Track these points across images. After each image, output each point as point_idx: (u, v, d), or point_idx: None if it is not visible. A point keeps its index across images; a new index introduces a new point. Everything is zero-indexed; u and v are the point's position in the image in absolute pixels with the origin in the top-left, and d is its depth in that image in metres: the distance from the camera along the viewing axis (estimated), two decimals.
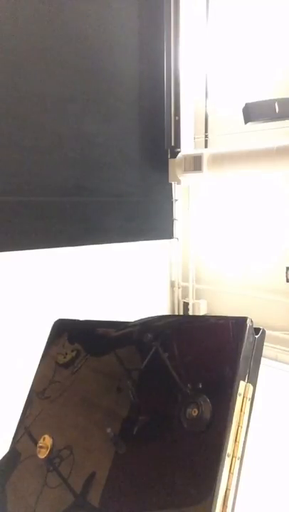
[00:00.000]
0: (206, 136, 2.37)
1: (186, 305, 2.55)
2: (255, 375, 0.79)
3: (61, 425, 0.98)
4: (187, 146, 2.32)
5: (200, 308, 2.48)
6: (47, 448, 0.96)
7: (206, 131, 2.37)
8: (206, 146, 2.35)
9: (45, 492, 0.91)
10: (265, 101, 1.76)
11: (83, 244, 2.05)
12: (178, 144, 2.31)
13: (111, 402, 0.92)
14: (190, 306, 2.51)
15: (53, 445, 0.96)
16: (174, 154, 2.29)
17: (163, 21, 2.25)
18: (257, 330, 0.81)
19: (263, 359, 0.81)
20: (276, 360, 2.11)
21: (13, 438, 1.07)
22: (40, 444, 0.97)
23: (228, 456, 0.71)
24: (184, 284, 2.56)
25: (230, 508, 0.69)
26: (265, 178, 2.17)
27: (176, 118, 2.31)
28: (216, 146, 2.24)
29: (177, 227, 2.52)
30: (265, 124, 1.81)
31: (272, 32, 2.06)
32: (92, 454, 0.88)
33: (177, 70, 2.28)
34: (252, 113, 1.76)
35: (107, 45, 2.08)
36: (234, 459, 0.71)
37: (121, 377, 0.93)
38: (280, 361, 2.10)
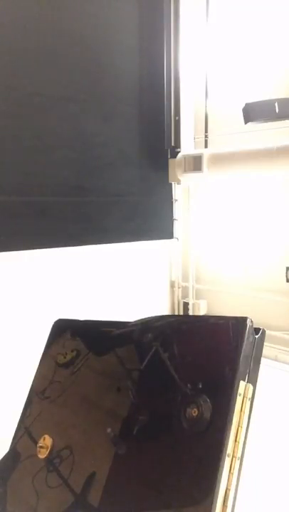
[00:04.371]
0: (206, 136, 2.37)
1: (186, 305, 2.55)
2: (255, 375, 0.79)
3: (61, 425, 0.98)
4: (187, 146, 2.32)
5: (200, 308, 2.48)
6: (47, 448, 0.96)
7: (206, 131, 2.37)
8: (206, 146, 2.35)
9: (45, 492, 0.91)
10: (265, 101, 1.76)
11: (83, 244, 2.05)
12: (178, 144, 2.31)
13: (111, 402, 0.92)
14: (190, 306, 2.51)
15: (53, 445, 0.96)
16: (174, 154, 2.29)
17: (163, 21, 2.25)
18: (257, 330, 0.81)
19: (263, 359, 0.81)
20: (276, 360, 2.11)
21: (13, 438, 1.07)
22: (40, 444, 0.97)
23: (228, 456, 0.71)
24: (184, 284, 2.56)
25: (230, 508, 0.69)
26: (265, 178, 2.17)
27: (176, 118, 2.31)
28: (216, 146, 2.24)
29: (177, 227, 2.52)
30: (265, 124, 1.81)
31: (273, 32, 2.06)
32: (92, 454, 0.88)
33: (177, 70, 2.28)
34: (252, 113, 1.76)
35: (107, 45, 2.08)
36: (234, 459, 0.71)
37: (121, 377, 0.93)
38: (280, 361, 2.10)
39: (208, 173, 2.11)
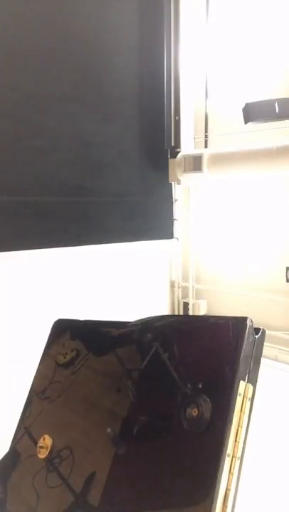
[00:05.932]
0: (206, 136, 2.37)
1: (186, 305, 2.55)
2: (255, 375, 0.79)
3: (61, 425, 0.98)
4: (187, 146, 2.32)
5: (200, 308, 2.48)
6: (47, 448, 0.96)
7: (206, 131, 2.37)
8: (206, 146, 2.35)
9: (45, 492, 0.91)
10: (265, 101, 1.76)
11: (83, 244, 2.05)
12: (178, 144, 2.31)
13: (111, 402, 0.92)
14: (190, 306, 2.51)
15: (53, 445, 0.96)
16: (174, 154, 2.29)
17: (163, 21, 2.25)
18: (257, 330, 0.81)
19: (263, 359, 0.81)
20: (276, 360, 2.11)
21: (13, 438, 1.07)
22: (40, 444, 0.97)
23: (228, 456, 0.71)
24: (184, 284, 2.56)
25: (230, 508, 0.69)
26: (265, 178, 2.17)
27: (176, 118, 2.31)
28: (216, 146, 2.24)
29: (177, 227, 2.52)
30: (265, 124, 1.81)
31: (273, 32, 2.06)
32: (92, 454, 0.88)
33: (177, 70, 2.28)
34: (252, 113, 1.76)
35: (107, 45, 2.08)
36: (234, 459, 0.71)
37: (121, 377, 0.93)
38: (280, 361, 2.11)
39: (208, 173, 2.11)
